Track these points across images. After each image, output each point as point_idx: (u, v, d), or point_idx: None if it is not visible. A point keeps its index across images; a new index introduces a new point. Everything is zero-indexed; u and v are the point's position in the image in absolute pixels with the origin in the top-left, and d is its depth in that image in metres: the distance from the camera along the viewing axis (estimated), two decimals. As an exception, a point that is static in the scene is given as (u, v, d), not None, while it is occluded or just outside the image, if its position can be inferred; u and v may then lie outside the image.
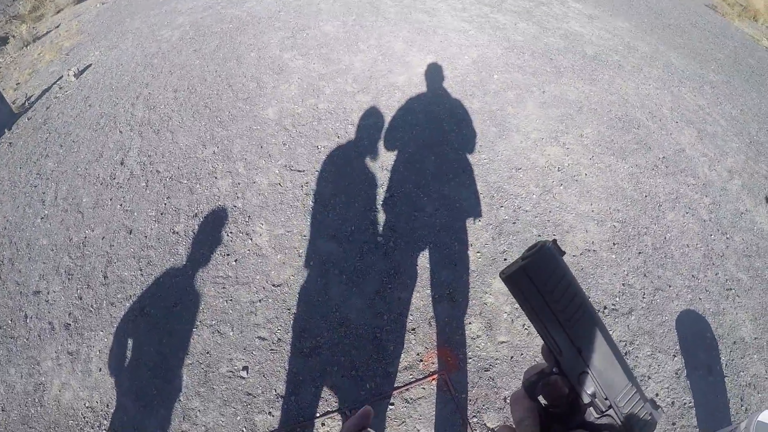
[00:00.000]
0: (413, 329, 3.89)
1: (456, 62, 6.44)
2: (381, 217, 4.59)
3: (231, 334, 3.88)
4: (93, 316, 4.10)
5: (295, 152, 5.16)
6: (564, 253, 0.70)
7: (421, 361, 3.72)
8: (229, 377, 3.67)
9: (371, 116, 5.58)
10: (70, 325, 4.09)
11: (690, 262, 4.56)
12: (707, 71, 7.47)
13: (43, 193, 5.21)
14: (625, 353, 3.85)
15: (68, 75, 6.98)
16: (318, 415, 3.44)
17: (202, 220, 4.64)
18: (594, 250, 4.47)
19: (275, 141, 5.30)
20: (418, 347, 3.79)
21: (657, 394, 3.69)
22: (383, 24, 7.24)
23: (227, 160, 5.16)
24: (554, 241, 0.70)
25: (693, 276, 4.45)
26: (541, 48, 6.95)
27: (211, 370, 3.70)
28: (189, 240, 4.49)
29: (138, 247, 4.50)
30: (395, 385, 3.61)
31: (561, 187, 4.91)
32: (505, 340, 3.84)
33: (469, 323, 3.94)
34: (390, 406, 3.50)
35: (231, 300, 4.07)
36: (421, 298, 4.08)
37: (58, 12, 9.80)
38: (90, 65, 7.23)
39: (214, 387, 3.63)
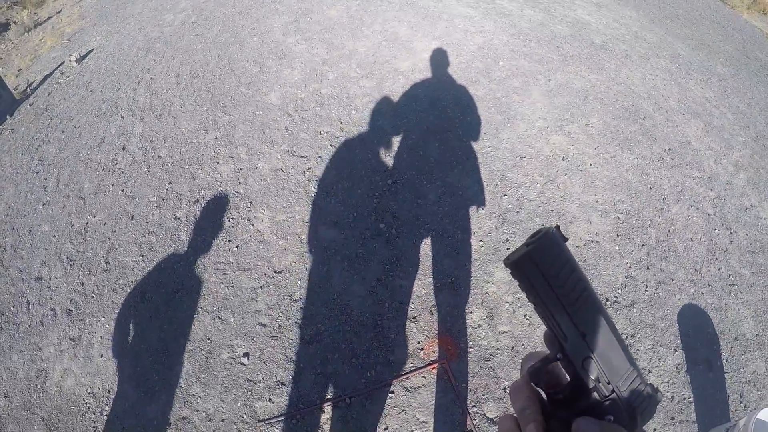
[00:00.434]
0: (414, 317, 3.88)
1: (461, 48, 6.38)
2: (384, 203, 4.56)
3: (232, 320, 3.87)
4: (94, 302, 4.10)
5: (298, 138, 5.13)
6: (567, 239, 0.70)
7: (422, 349, 3.71)
8: (230, 364, 3.66)
9: (375, 102, 5.54)
10: (71, 311, 4.09)
11: (693, 256, 4.52)
12: (715, 63, 7.38)
13: (45, 179, 5.20)
14: (627, 345, 3.81)
15: (70, 60, 6.95)
16: (318, 402, 3.44)
17: (203, 205, 4.62)
18: (597, 242, 4.44)
19: (278, 126, 5.27)
20: (419, 336, 3.78)
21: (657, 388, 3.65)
22: (388, 9, 7.17)
23: (229, 145, 5.13)
24: (557, 227, 0.70)
25: (696, 270, 4.41)
26: (548, 35, 6.88)
27: (212, 357, 3.70)
28: (190, 226, 4.48)
29: (139, 233, 4.49)
30: (395, 373, 3.60)
31: (565, 177, 4.87)
32: (506, 330, 3.82)
33: (471, 312, 3.92)
34: (390, 395, 3.50)
35: (232, 286, 4.06)
36: (423, 286, 4.05)
37: (60, -3, 9.76)
38: (92, 50, 7.19)
39: (215, 373, 3.63)
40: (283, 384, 3.53)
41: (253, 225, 4.43)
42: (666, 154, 5.35)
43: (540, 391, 0.74)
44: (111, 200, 4.80)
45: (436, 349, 3.72)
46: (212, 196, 4.69)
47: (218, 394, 3.53)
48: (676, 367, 3.79)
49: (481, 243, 4.32)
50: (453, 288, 4.05)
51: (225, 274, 4.14)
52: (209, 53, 6.52)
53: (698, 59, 7.34)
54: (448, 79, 5.89)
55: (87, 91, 6.35)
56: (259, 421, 3.40)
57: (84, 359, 3.81)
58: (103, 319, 3.99)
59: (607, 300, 4.06)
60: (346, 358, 3.64)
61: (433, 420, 3.41)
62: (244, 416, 3.43)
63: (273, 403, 3.46)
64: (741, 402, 3.74)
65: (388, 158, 4.93)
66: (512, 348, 3.74)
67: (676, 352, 3.87)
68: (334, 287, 4.03)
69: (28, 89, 6.74)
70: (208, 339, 3.79)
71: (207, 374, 3.63)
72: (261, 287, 4.04)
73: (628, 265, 4.32)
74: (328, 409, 3.42)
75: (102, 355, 3.80)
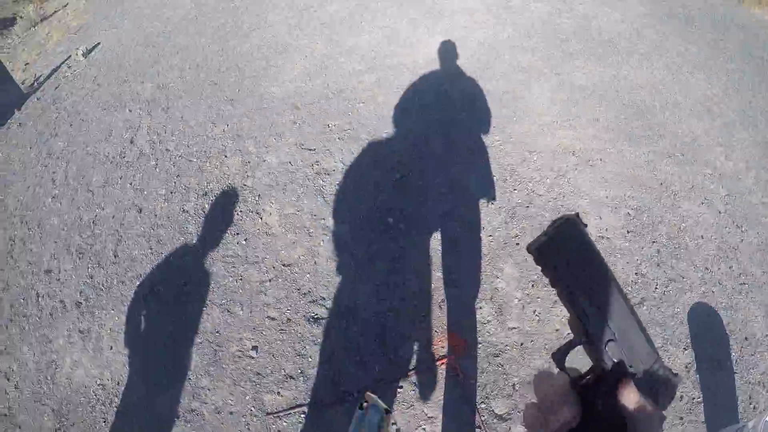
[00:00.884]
0: (423, 312, 3.87)
1: (465, 43, 6.35)
2: (391, 198, 4.55)
3: (241, 313, 3.88)
4: (104, 295, 4.12)
5: (305, 131, 5.14)
6: (586, 225, 0.73)
7: (430, 344, 3.70)
8: (239, 357, 3.67)
9: (380, 96, 5.53)
10: (81, 303, 4.11)
11: (704, 253, 4.47)
12: (721, 60, 7.35)
13: (54, 172, 5.23)
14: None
15: (77, 54, 6.97)
16: (326, 396, 3.45)
17: (212, 198, 4.64)
18: (608, 238, 4.42)
19: (284, 120, 5.28)
20: (427, 331, 3.77)
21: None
22: (389, 4, 7.14)
23: (237, 138, 5.15)
24: (577, 214, 0.74)
25: (706, 268, 4.37)
26: (552, 30, 6.84)
27: (220, 350, 3.72)
28: (199, 219, 4.49)
29: (148, 226, 4.51)
30: (403, 368, 3.60)
31: (576, 172, 4.84)
32: (515, 326, 3.81)
33: (480, 308, 3.90)
34: (398, 390, 3.49)
35: (241, 279, 4.07)
36: (431, 281, 4.04)
37: (66, -9, 9.77)
38: (98, 44, 7.21)
39: (224, 366, 3.64)
40: (291, 377, 3.54)
41: (261, 218, 4.44)
42: (676, 150, 5.31)
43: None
44: (119, 193, 4.83)
45: (445, 344, 3.70)
46: (220, 190, 4.70)
47: (227, 387, 3.54)
48: (686, 367, 3.74)
49: (490, 238, 4.31)
50: (462, 283, 4.04)
51: (234, 267, 4.15)
52: (211, 48, 6.55)
53: (704, 55, 7.30)
54: (454, 73, 5.88)
55: (94, 84, 6.37)
56: (268, 414, 3.41)
57: (93, 351, 3.84)
58: (112, 311, 4.01)
59: (617, 296, 4.04)
60: (353, 352, 3.64)
61: (441, 415, 3.40)
62: (253, 409, 3.44)
63: (281, 396, 3.47)
64: (750, 403, 3.69)
65: (395, 152, 4.92)
66: (521, 344, 3.71)
67: (686, 351, 3.82)
68: (341, 281, 4.03)
69: (35, 83, 6.76)
70: (217, 332, 3.80)
71: (216, 367, 3.64)
72: (269, 280, 4.05)
73: (639, 262, 4.29)
74: (335, 403, 3.42)
75: (111, 348, 3.82)
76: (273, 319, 3.83)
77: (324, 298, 3.92)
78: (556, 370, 0.78)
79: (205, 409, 3.47)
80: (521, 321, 3.82)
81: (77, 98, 6.21)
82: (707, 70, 6.83)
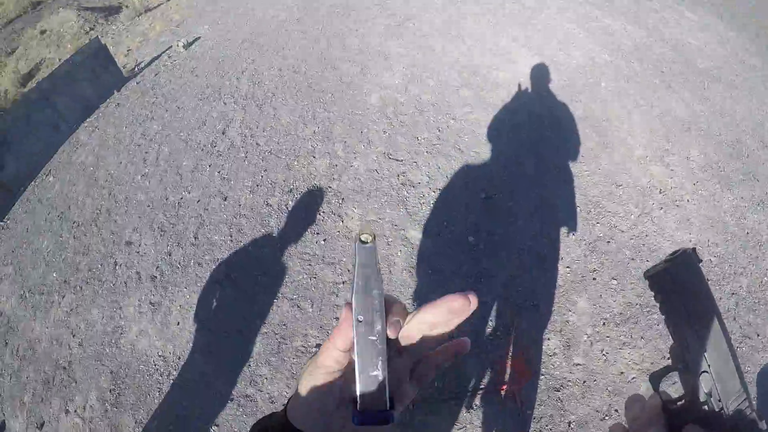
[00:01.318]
0: (491, 335, 3.79)
1: (562, 65, 6.25)
2: (474, 217, 4.48)
3: (310, 310, 3.88)
4: (179, 273, 4.19)
5: (395, 141, 5.13)
6: (702, 261, 0.77)
7: (494, 369, 3.61)
8: (302, 352, 3.67)
9: (473, 112, 5.47)
10: (156, 277, 4.19)
11: (784, 312, 4.27)
12: (834, 97, 7.00)
13: (146, 152, 5.38)
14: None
15: (177, 45, 7.19)
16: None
17: (296, 196, 4.67)
18: (690, 284, 4.25)
19: (376, 128, 5.29)
20: (493, 354, 3.68)
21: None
22: (490, 19, 7.09)
23: (327, 141, 5.18)
24: (694, 248, 0.79)
25: (784, 328, 4.17)
26: (651, 57, 6.66)
27: (284, 342, 3.72)
28: (281, 214, 4.53)
29: (231, 214, 4.57)
30: (464, 388, 3.52)
31: (661, 211, 4.69)
32: (580, 363, 3.68)
33: (548, 339, 3.80)
34: (455, 409, 3.43)
35: (315, 278, 4.07)
36: (505, 304, 3.96)
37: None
38: (198, 38, 7.42)
39: (285, 359, 3.64)
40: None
41: (342, 221, 4.44)
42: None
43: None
44: (207, 180, 4.91)
45: (508, 370, 3.62)
46: (306, 189, 4.73)
47: (285, 379, 3.54)
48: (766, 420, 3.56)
49: (567, 269, 4.20)
50: (534, 311, 3.94)
51: (309, 264, 4.15)
52: (311, 50, 6.63)
53: (815, 91, 6.97)
54: (547, 94, 5.79)
55: (192, 75, 6.55)
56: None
57: (161, 324, 3.91)
58: (185, 289, 4.07)
59: (688, 347, 3.87)
60: (420, 364, 3.58)
61: (492, 442, 3.31)
62: (305, 405, 3.41)
63: (334, 398, 3.44)
64: None
65: (482, 171, 4.85)
66: (584, 382, 3.59)
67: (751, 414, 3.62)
68: (415, 294, 3.98)
69: (136, 68, 7.01)
70: (284, 325, 3.81)
71: (277, 358, 3.65)
72: (343, 283, 4.03)
73: (714, 313, 4.11)
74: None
75: (179, 323, 3.89)
76: (341, 321, 3.80)
77: (395, 309, 3.87)
78: (647, 395, 0.83)
79: (260, 397, 3.49)
80: (587, 358, 3.71)
81: (175, 86, 6.39)
82: (818, 107, 6.46)
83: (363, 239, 0.61)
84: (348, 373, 0.61)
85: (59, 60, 7.35)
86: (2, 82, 7.78)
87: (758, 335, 4.02)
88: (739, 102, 6.17)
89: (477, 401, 3.47)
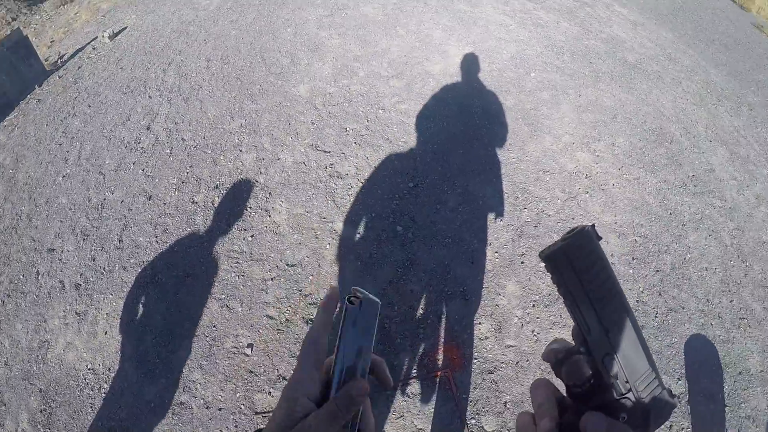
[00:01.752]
0: (422, 323, 3.82)
1: (494, 56, 6.32)
2: (403, 206, 4.50)
3: (239, 309, 3.84)
4: (104, 279, 4.09)
5: (323, 132, 5.09)
6: (601, 238, 0.72)
7: (427, 356, 3.66)
8: (233, 353, 3.63)
9: (403, 103, 5.48)
10: (80, 285, 4.08)
11: (706, 286, 4.44)
12: (747, 92, 7.28)
13: (67, 151, 5.21)
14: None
15: (103, 36, 6.98)
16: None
17: (222, 192, 4.59)
18: (613, 263, 4.32)
19: (304, 119, 5.23)
20: (425, 342, 3.73)
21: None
22: (424, 10, 7.11)
23: (254, 134, 5.10)
24: (593, 225, 0.72)
25: (707, 300, 4.34)
26: (582, 50, 6.80)
27: (215, 344, 3.68)
28: (208, 211, 4.45)
29: (156, 214, 4.47)
30: (398, 378, 3.55)
31: (587, 195, 4.79)
32: (512, 345, 3.76)
33: (479, 323, 3.86)
34: (391, 399, 3.45)
35: (243, 276, 4.03)
36: (434, 292, 4.00)
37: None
38: (125, 28, 7.22)
39: (217, 361, 3.60)
40: (284, 378, 3.50)
41: (270, 216, 4.39)
42: (689, 180, 5.26)
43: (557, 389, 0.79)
44: (131, 178, 4.79)
45: (441, 357, 3.67)
46: (232, 184, 4.65)
47: (218, 383, 3.50)
48: (679, 397, 3.73)
49: (496, 254, 4.26)
50: (464, 297, 3.99)
51: (237, 262, 4.10)
52: (242, 40, 6.51)
53: (730, 86, 7.23)
54: (479, 85, 5.83)
55: (117, 68, 6.37)
56: (257, 413, 3.36)
57: (88, 335, 3.80)
58: (111, 296, 3.97)
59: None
60: (351, 357, 3.59)
61: (430, 428, 3.36)
62: (242, 407, 3.40)
63: (272, 396, 3.43)
64: None
65: (411, 161, 4.87)
66: (517, 363, 3.68)
67: (680, 381, 3.81)
68: (345, 286, 3.97)
69: (59, 61, 6.78)
70: (214, 326, 3.76)
71: (209, 362, 3.60)
72: (272, 279, 4.00)
73: (641, 289, 4.26)
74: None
75: (106, 333, 3.79)
76: (271, 318, 3.78)
77: (325, 302, 3.86)
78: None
79: (195, 404, 3.43)
80: (519, 340, 3.79)
81: (99, 80, 6.20)
82: (734, 101, 6.79)
83: (350, 301, 0.63)
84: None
85: (-23, 55, 7.09)
86: None
87: (683, 308, 4.20)
88: (664, 93, 6.37)
89: (412, 389, 3.50)
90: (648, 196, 4.96)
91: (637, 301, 4.17)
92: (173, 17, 7.27)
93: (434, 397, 3.48)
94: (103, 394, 3.51)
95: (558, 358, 0.76)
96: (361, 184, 4.63)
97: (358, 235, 4.29)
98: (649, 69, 6.82)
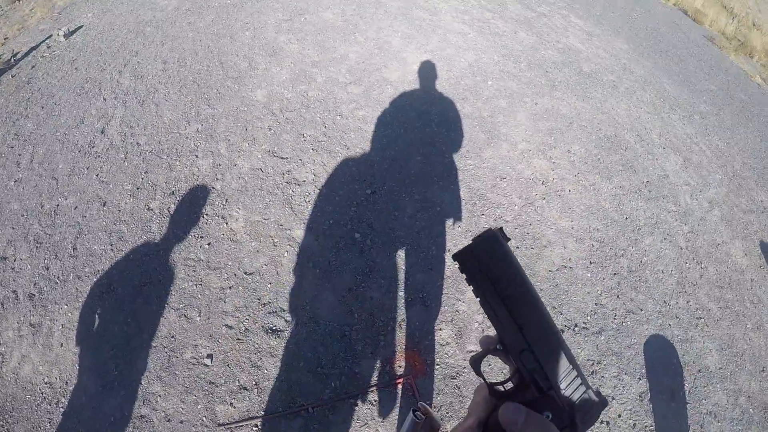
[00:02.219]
0: (383, 330, 3.86)
1: (452, 64, 6.39)
2: (360, 213, 4.53)
3: (198, 319, 3.82)
4: (58, 289, 4.02)
5: (280, 138, 5.09)
6: (509, 239, 0.80)
7: (389, 363, 3.69)
8: (193, 364, 3.61)
9: (361, 109, 5.51)
10: (34, 295, 4.00)
11: (663, 287, 4.58)
12: (698, 101, 7.52)
13: (19, 155, 5.10)
14: (592, 372, 3.88)
15: (58, 35, 6.84)
16: (280, 410, 3.40)
17: (178, 198, 4.56)
18: (570, 267, 4.47)
19: (261, 125, 5.22)
20: (387, 349, 3.76)
21: (620, 415, 3.72)
22: (383, 17, 7.15)
23: (210, 139, 5.07)
24: (501, 228, 0.82)
25: (665, 302, 4.48)
26: (538, 59, 6.93)
27: (174, 355, 3.65)
28: (163, 218, 4.41)
29: (110, 221, 4.41)
30: (360, 385, 3.58)
31: (543, 201, 4.89)
32: (474, 350, 3.82)
33: (440, 329, 3.92)
34: (354, 407, 3.47)
35: (201, 284, 4.01)
36: (394, 299, 4.04)
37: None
38: (81, 27, 7.08)
39: (177, 373, 3.57)
40: (245, 389, 3.49)
41: (227, 223, 4.38)
42: (644, 186, 5.42)
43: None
44: (84, 184, 4.72)
45: (403, 363, 3.70)
46: (188, 190, 4.62)
47: (179, 395, 3.48)
48: (640, 396, 3.85)
49: (455, 261, 4.31)
50: (424, 304, 4.04)
51: (194, 271, 4.08)
52: (199, 43, 6.45)
53: (683, 95, 7.44)
54: (436, 93, 5.90)
55: (72, 68, 6.25)
56: (219, 425, 3.36)
57: (43, 347, 3.73)
58: (66, 306, 3.91)
59: (576, 326, 4.10)
60: (311, 367, 3.61)
61: (394, 436, 3.39)
62: (204, 419, 3.38)
63: (234, 407, 3.42)
64: None
65: (369, 168, 4.90)
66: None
67: (641, 381, 3.93)
68: (304, 294, 3.99)
69: (12, 60, 6.62)
70: (172, 337, 3.73)
71: (168, 373, 3.57)
72: (230, 288, 3.99)
73: (599, 292, 4.36)
74: (290, 417, 3.38)
75: (62, 345, 3.72)
76: (230, 327, 3.77)
77: (284, 310, 3.88)
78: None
79: (155, 416, 3.40)
80: (480, 344, 3.83)
81: (53, 80, 6.08)
82: (687, 109, 6.99)
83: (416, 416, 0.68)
84: None
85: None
86: None
87: (641, 310, 4.34)
88: (619, 101, 6.54)
89: (375, 397, 3.54)
90: (604, 201, 5.09)
91: (596, 304, 4.28)
92: (130, 17, 7.15)
93: (398, 404, 3.52)
94: (62, 409, 3.46)
95: (475, 357, 0.83)
96: (318, 191, 4.65)
97: (316, 243, 4.30)
98: (605, 78, 6.98)
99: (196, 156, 4.90)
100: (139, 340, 3.72)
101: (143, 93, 5.67)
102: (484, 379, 0.82)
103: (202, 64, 6.07)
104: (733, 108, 7.82)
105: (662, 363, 4.12)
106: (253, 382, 3.52)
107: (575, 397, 0.74)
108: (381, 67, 6.13)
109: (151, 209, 4.48)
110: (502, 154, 5.26)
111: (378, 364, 3.69)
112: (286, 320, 3.83)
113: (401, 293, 4.07)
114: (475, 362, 0.83)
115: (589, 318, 4.17)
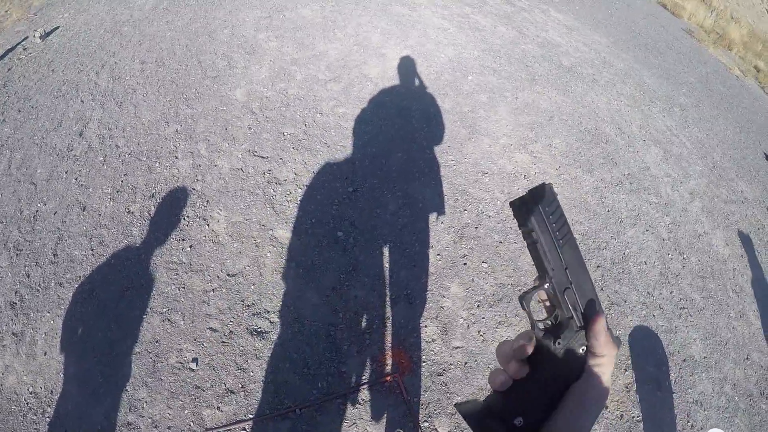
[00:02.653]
0: (368, 329, 3.87)
1: (432, 59, 6.40)
2: (343, 211, 4.53)
3: (182, 323, 3.80)
4: (40, 296, 3.97)
5: (260, 137, 5.07)
6: (557, 195, 0.86)
7: (375, 361, 3.70)
8: (178, 369, 3.59)
9: (341, 106, 5.50)
10: (16, 304, 3.94)
11: (646, 279, 4.63)
12: (678, 93, 7.59)
13: (-4, 160, 5.04)
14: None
15: (34, 36, 6.75)
16: (268, 412, 3.39)
17: (159, 201, 4.52)
18: (553, 260, 4.49)
19: (240, 124, 5.20)
20: (373, 347, 3.77)
21: (606, 407, 3.74)
22: (362, 13, 7.15)
23: (189, 140, 5.03)
24: (551, 184, 0.87)
25: (648, 293, 4.53)
26: (518, 54, 6.96)
27: (159, 360, 3.62)
28: (144, 221, 4.38)
29: (91, 225, 4.37)
30: (347, 385, 3.58)
31: (526, 196, 4.92)
32: (459, 346, 3.84)
33: (425, 326, 3.93)
34: (341, 407, 3.47)
35: (183, 287, 3.98)
36: (378, 297, 4.05)
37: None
38: (57, 27, 6.99)
39: (162, 378, 3.55)
40: (232, 392, 3.48)
41: (208, 225, 4.36)
42: (625, 178, 5.46)
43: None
44: (64, 188, 4.66)
45: (389, 362, 3.71)
46: (168, 192, 4.58)
47: (165, 400, 3.45)
48: (626, 387, 3.89)
49: (438, 257, 4.33)
50: (408, 301, 4.05)
51: (177, 274, 4.05)
52: (178, 42, 6.40)
53: (662, 88, 7.51)
54: (417, 89, 5.90)
55: (48, 70, 6.17)
56: (207, 429, 3.34)
57: (27, 356, 3.68)
58: (48, 314, 3.86)
59: (560, 319, 4.12)
60: (297, 368, 3.60)
61: (384, 433, 3.40)
62: (191, 424, 3.36)
63: (221, 411, 3.41)
64: (688, 422, 3.88)
65: (350, 165, 4.90)
66: (465, 363, 3.76)
67: (626, 372, 3.97)
68: (287, 294, 3.98)
69: (-13, 63, 6.54)
70: (157, 341, 3.70)
71: (154, 378, 3.54)
72: (213, 290, 3.97)
73: (583, 284, 4.39)
74: (277, 419, 3.37)
75: (46, 353, 3.67)
76: (215, 330, 3.76)
77: (268, 311, 3.87)
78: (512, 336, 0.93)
79: (142, 423, 3.37)
80: (465, 340, 3.87)
81: (30, 83, 5.99)
82: (666, 102, 7.05)
83: None
84: None
85: None
86: None
87: (625, 302, 4.38)
88: (599, 95, 6.59)
89: (363, 396, 3.54)
90: (586, 194, 5.12)
91: (580, 296, 4.31)
92: (107, 17, 7.07)
93: (385, 403, 3.51)
94: (48, 419, 3.41)
95: (527, 291, 0.88)
96: (300, 190, 4.64)
97: (298, 242, 4.29)
98: (585, 72, 7.02)
99: (176, 157, 4.87)
100: (123, 346, 3.68)
101: (121, 94, 5.61)
102: (530, 314, 0.87)
103: (181, 63, 6.02)
104: (713, 100, 7.91)
105: (647, 353, 4.16)
106: (240, 385, 3.51)
107: (569, 353, 0.83)
108: (361, 64, 6.12)
109: (132, 212, 4.44)
110: (483, 149, 5.27)
111: (364, 363, 3.69)
112: (270, 321, 3.81)
113: (386, 291, 4.08)
114: (524, 298, 0.88)
115: (573, 311, 4.20)
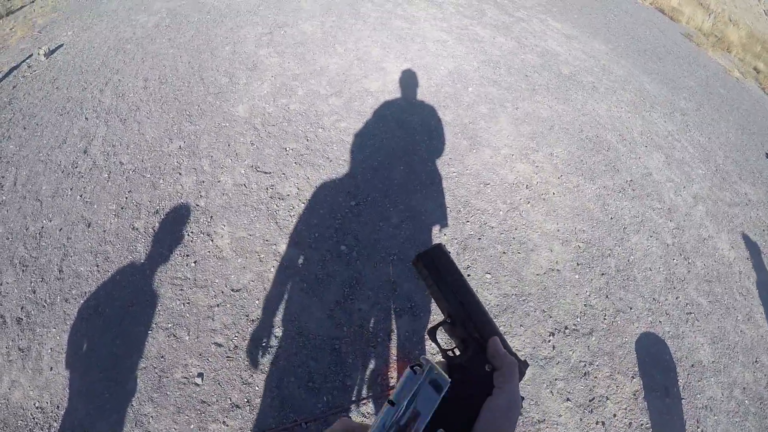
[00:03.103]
0: (373, 342, 3.87)
1: (432, 72, 6.44)
2: (346, 225, 4.55)
3: (187, 338, 3.81)
4: (46, 312, 3.99)
5: (263, 153, 5.10)
6: (449, 252, 1.08)
7: (379, 375, 3.70)
8: (184, 383, 3.60)
9: (342, 121, 5.54)
10: (22, 319, 3.97)
11: (652, 285, 4.63)
12: (678, 98, 7.61)
13: (2, 177, 5.07)
14: (585, 374, 3.90)
15: (38, 54, 6.82)
16: (273, 426, 3.40)
17: (163, 217, 4.55)
18: (558, 270, 4.50)
19: (243, 140, 5.23)
20: (377, 361, 3.77)
21: (615, 415, 3.74)
22: (362, 28, 7.20)
23: (193, 156, 5.07)
24: (440, 244, 1.06)
25: (654, 299, 4.53)
26: (518, 64, 6.99)
27: (165, 375, 3.63)
28: (148, 237, 4.40)
29: (96, 242, 4.40)
30: (352, 398, 3.58)
31: (528, 205, 4.93)
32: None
33: (429, 339, 3.92)
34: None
35: (188, 303, 4.00)
36: (383, 310, 4.05)
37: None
38: (62, 45, 7.06)
39: (168, 393, 3.56)
40: (237, 407, 3.49)
41: (212, 240, 4.38)
42: (628, 185, 5.47)
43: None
44: (69, 205, 4.70)
45: (394, 374, 3.71)
46: (172, 208, 4.62)
47: (171, 415, 3.46)
48: (634, 394, 3.88)
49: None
50: (412, 313, 4.05)
51: (181, 290, 4.07)
52: (180, 59, 6.45)
53: (662, 93, 7.52)
54: (417, 101, 5.93)
55: (53, 87, 6.23)
56: (211, 444, 3.35)
57: (33, 371, 3.70)
58: (54, 330, 3.88)
59: (566, 328, 4.13)
60: (302, 382, 3.61)
61: (387, 447, 3.39)
62: (196, 439, 3.37)
63: (227, 426, 3.41)
64: (698, 427, 3.87)
65: (352, 179, 4.92)
66: (468, 377, 3.75)
67: (634, 380, 3.96)
68: (292, 309, 3.99)
69: (-8, 80, 6.60)
70: (162, 357, 3.72)
71: (160, 393, 3.55)
72: (218, 305, 3.99)
73: (588, 293, 4.40)
74: (283, 431, 3.39)
75: (52, 369, 3.70)
76: (220, 345, 3.77)
77: (273, 326, 3.88)
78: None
79: (147, 438, 3.38)
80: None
81: (34, 100, 6.05)
82: (667, 107, 7.07)
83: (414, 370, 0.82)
84: None
85: None
86: None
87: (631, 309, 4.37)
88: (599, 102, 6.61)
89: (367, 409, 3.54)
90: (588, 202, 5.13)
91: (585, 305, 4.32)
92: (110, 34, 7.14)
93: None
94: (53, 433, 3.44)
95: (432, 327, 1.03)
96: (303, 205, 4.66)
97: (302, 257, 4.31)
98: (584, 80, 7.04)
99: (180, 173, 4.90)
100: (129, 362, 3.70)
101: (125, 111, 5.66)
102: (439, 346, 0.98)
103: (183, 80, 6.07)
104: (713, 103, 7.91)
105: (655, 360, 4.16)
106: (245, 400, 3.52)
107: (472, 358, 0.94)
108: (361, 78, 6.16)
109: (136, 228, 4.47)
110: (485, 160, 5.29)
111: (369, 376, 3.69)
112: (275, 336, 3.83)
113: (390, 304, 4.08)
114: (430, 332, 1.03)
115: (579, 319, 4.20)
